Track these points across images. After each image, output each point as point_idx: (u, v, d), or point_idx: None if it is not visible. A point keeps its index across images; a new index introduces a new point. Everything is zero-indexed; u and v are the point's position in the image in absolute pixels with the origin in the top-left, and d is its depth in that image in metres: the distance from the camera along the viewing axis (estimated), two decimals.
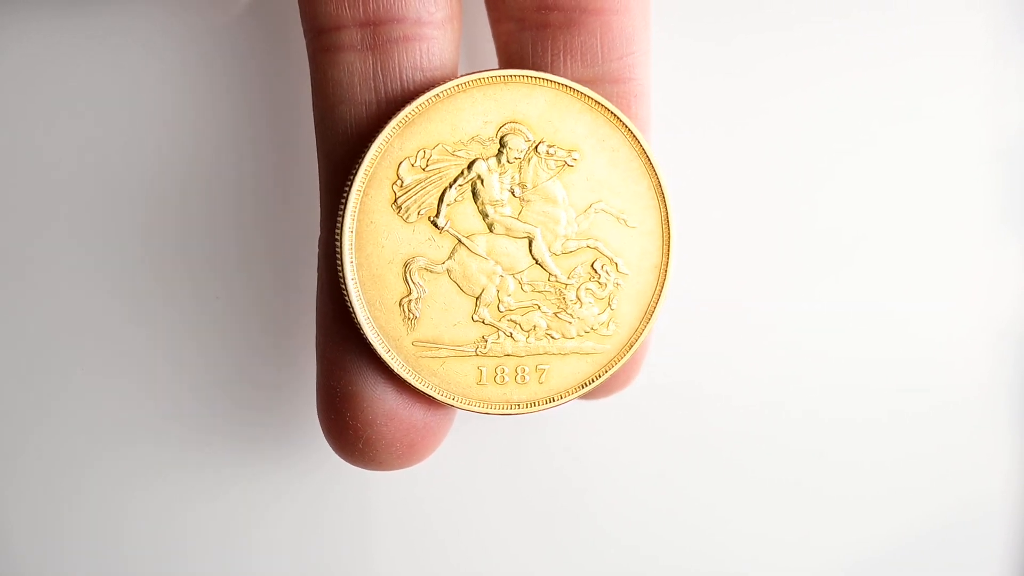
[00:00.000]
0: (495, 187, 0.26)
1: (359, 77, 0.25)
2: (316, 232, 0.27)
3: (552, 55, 0.27)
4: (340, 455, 0.27)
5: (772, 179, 0.33)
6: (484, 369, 0.26)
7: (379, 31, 0.25)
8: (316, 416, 0.27)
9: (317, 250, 0.27)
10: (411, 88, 0.25)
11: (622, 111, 0.27)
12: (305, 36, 0.26)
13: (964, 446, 0.35)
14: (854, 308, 0.34)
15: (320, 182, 0.26)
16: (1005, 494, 0.35)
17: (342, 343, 0.26)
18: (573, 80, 0.26)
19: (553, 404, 0.27)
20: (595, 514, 0.34)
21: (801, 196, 0.33)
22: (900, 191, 0.34)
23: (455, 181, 0.26)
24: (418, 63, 0.25)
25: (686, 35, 0.32)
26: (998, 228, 0.34)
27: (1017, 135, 0.34)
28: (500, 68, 0.27)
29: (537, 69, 0.27)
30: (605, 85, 0.27)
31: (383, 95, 0.25)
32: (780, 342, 0.34)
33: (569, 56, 0.27)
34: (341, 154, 0.26)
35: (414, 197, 0.25)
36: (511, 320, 0.26)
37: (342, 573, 0.33)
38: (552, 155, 0.26)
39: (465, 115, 0.25)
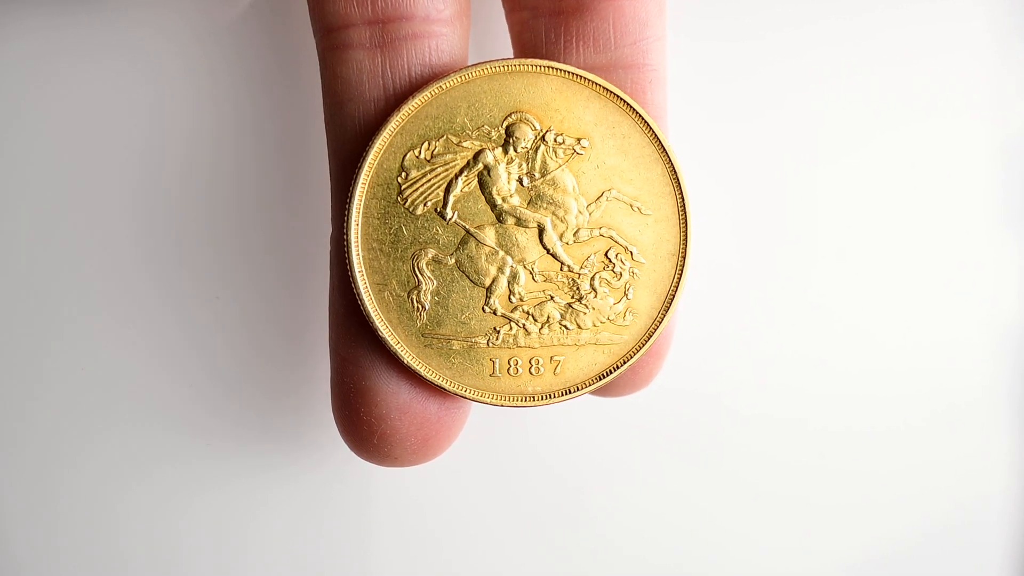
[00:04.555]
0: (502, 177, 0.26)
1: (368, 75, 0.26)
2: (326, 231, 0.27)
3: (565, 42, 0.26)
4: (356, 451, 0.27)
5: (783, 173, 0.32)
6: (497, 361, 0.26)
7: (388, 29, 0.25)
8: (315, 413, 0.27)
9: (328, 248, 0.27)
10: (420, 85, 0.25)
11: (637, 97, 0.26)
12: (315, 35, 0.26)
13: (965, 448, 0.34)
14: (856, 304, 0.33)
15: (331, 179, 0.27)
16: (1006, 497, 0.34)
17: (354, 339, 0.26)
18: (587, 67, 0.26)
19: (569, 396, 0.26)
20: (605, 516, 0.33)
21: (807, 194, 0.33)
22: (904, 191, 0.33)
23: (461, 172, 0.25)
24: (427, 60, 0.25)
25: (704, 26, 0.31)
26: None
27: (1019, 136, 0.33)
28: (512, 58, 0.27)
29: (550, 57, 0.26)
30: (619, 71, 0.26)
31: (392, 92, 0.25)
32: (781, 341, 0.33)
33: (582, 42, 0.26)
34: (350, 151, 0.26)
35: (420, 189, 0.25)
36: (524, 311, 0.26)
37: (341, 569, 0.33)
38: (560, 144, 0.26)
39: (469, 106, 0.25)
